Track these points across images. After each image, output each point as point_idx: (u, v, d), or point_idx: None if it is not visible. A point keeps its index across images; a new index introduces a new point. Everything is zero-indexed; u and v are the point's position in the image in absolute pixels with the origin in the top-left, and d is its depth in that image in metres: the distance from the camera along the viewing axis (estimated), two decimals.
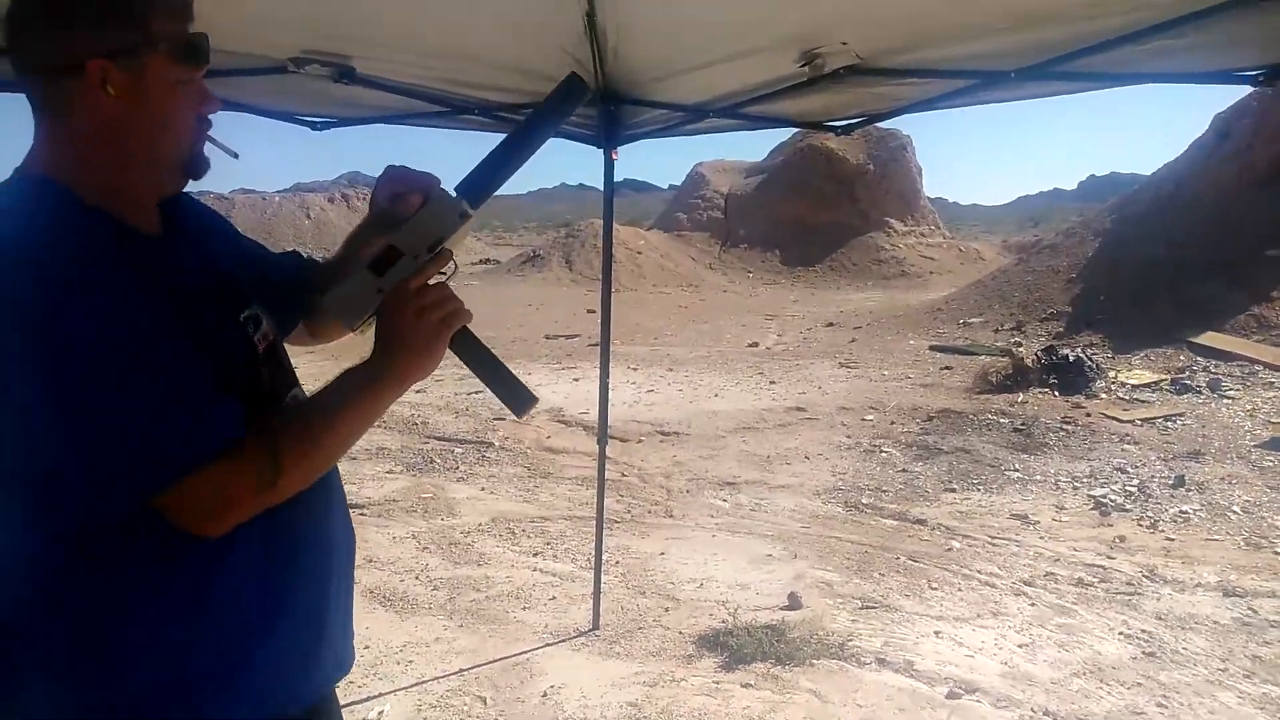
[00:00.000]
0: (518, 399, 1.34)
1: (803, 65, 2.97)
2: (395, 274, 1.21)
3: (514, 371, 1.35)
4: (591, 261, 25.73)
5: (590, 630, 4.21)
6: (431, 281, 1.25)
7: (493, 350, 1.33)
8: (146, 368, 1.06)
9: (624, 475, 6.87)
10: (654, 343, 14.57)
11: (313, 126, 3.74)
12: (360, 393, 1.21)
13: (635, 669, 3.82)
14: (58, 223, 1.10)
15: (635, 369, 11.75)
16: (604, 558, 4.70)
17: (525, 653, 3.99)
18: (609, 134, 3.80)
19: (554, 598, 4.62)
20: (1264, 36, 2.54)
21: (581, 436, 7.98)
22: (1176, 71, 2.92)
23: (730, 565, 5.08)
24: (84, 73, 1.11)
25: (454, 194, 1.27)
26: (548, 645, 4.08)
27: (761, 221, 30.13)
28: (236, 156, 1.35)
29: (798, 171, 30.53)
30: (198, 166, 1.24)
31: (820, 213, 29.46)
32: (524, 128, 1.30)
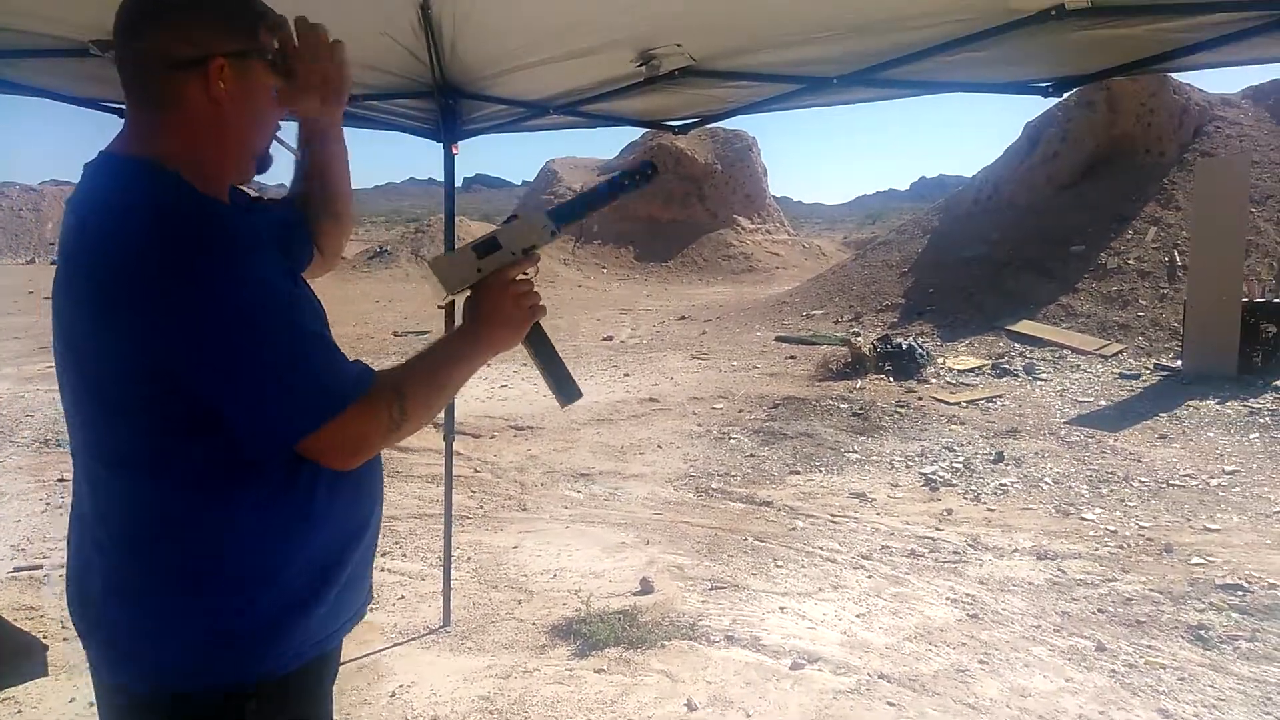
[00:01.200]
0: (566, 390, 1.55)
1: (640, 65, 3.04)
2: (492, 262, 1.42)
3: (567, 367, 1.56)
4: None
5: (441, 627, 4.12)
6: (520, 277, 1.47)
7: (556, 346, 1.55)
8: (303, 320, 1.23)
9: (476, 471, 6.77)
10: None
11: (120, 114, 3.47)
12: (461, 354, 1.40)
13: (487, 663, 3.77)
14: (195, 202, 1.24)
15: (489, 364, 11.57)
16: (455, 554, 4.62)
17: (373, 654, 3.86)
18: (448, 128, 3.75)
19: (403, 597, 4.49)
20: (1052, 51, 2.80)
21: (431, 434, 7.75)
22: (980, 81, 3.17)
23: (584, 555, 5.10)
24: (205, 67, 1.25)
25: (548, 215, 1.51)
26: (396, 645, 3.97)
27: (614, 218, 30.34)
28: (297, 156, 1.64)
29: None
30: (268, 161, 1.41)
31: (671, 210, 29.99)
32: (607, 186, 1.58)
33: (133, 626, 1.26)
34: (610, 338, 14.65)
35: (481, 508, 5.94)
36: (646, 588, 4.55)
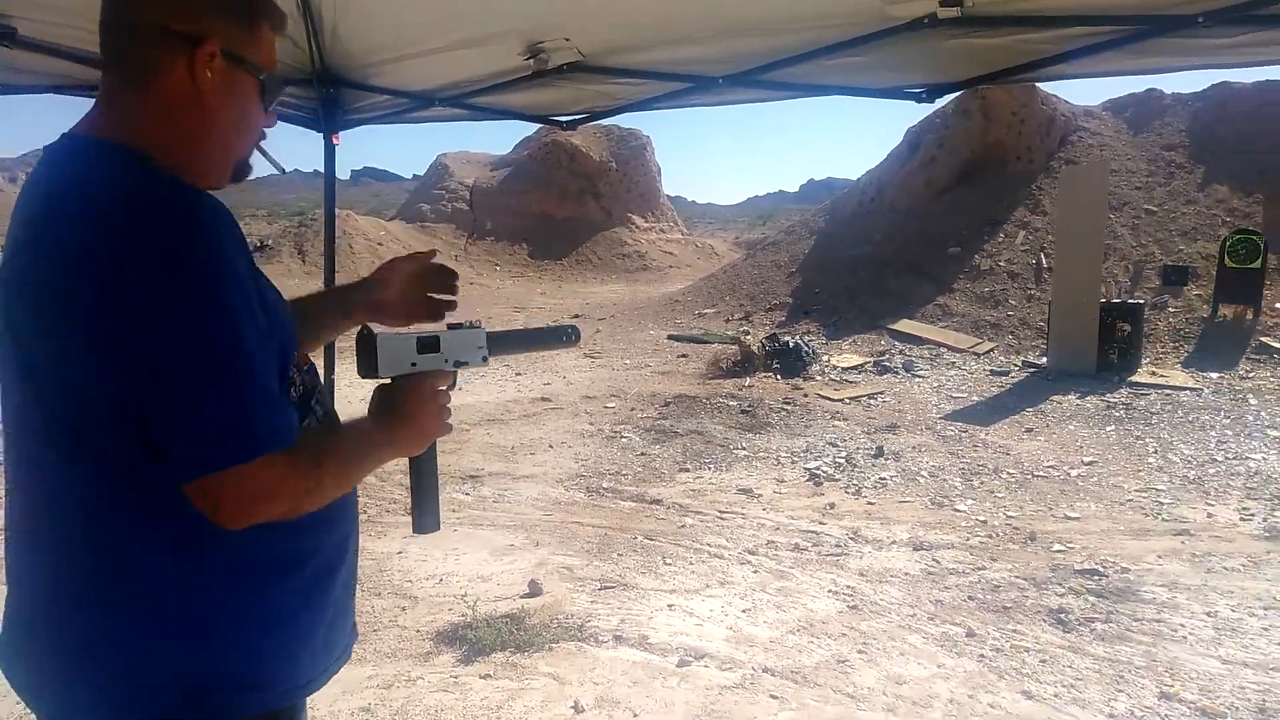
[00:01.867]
0: (428, 517, 1.53)
1: (527, 59, 3.01)
2: (428, 361, 1.41)
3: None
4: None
5: None
6: (444, 389, 1.44)
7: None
8: (256, 355, 1.12)
9: None
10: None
11: None
12: (375, 444, 1.32)
13: (368, 673, 3.66)
14: (169, 188, 1.14)
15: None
16: None
17: None
18: (328, 118, 3.61)
19: None
20: (926, 59, 2.91)
21: None
22: (859, 85, 3.26)
23: (471, 558, 5.02)
24: (198, 45, 1.18)
25: (488, 339, 1.52)
26: None
27: (507, 214, 30.06)
28: (284, 172, 1.59)
29: (542, 166, 30.78)
30: (246, 170, 1.34)
31: (565, 207, 29.91)
32: (541, 334, 1.68)
33: (78, 653, 1.17)
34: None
35: (364, 513, 5.77)
36: (535, 590, 4.51)
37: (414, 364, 1.40)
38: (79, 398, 1.11)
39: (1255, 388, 9.35)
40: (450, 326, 1.50)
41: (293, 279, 22.91)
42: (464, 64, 3.20)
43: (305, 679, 1.31)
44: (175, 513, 1.12)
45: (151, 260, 1.06)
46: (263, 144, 1.37)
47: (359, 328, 1.44)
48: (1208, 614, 4.23)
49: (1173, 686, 3.56)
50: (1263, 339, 10.56)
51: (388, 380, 1.38)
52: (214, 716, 1.20)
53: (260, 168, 1.42)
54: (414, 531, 1.57)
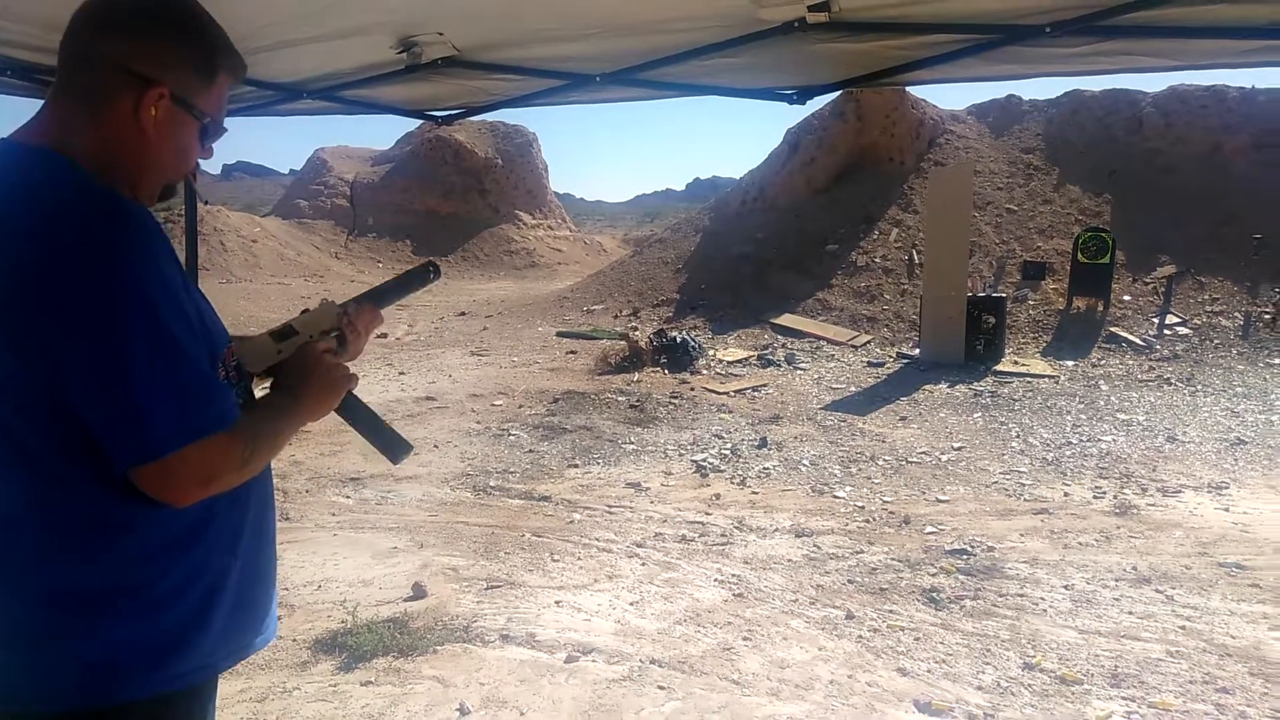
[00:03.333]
0: (394, 448, 1.65)
1: (400, 53, 2.93)
2: (289, 345, 1.52)
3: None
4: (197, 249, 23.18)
5: None
6: (326, 353, 1.56)
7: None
8: (189, 344, 1.22)
9: None
10: None
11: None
12: (289, 414, 1.45)
13: (241, 686, 3.49)
14: (107, 198, 1.24)
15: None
16: None
17: None
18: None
19: None
20: (796, 62, 3.00)
21: None
22: (734, 86, 3.33)
23: (352, 563, 4.86)
24: (146, 87, 1.28)
25: (338, 305, 1.63)
26: None
27: (390, 211, 29.29)
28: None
29: (426, 162, 30.15)
30: (172, 191, 1.44)
31: (450, 204, 29.39)
32: (394, 284, 1.77)
33: None
34: (385, 335, 14.09)
35: None
36: (419, 593, 4.40)
37: (280, 350, 1.51)
38: (11, 395, 1.19)
39: (1106, 374, 10.03)
40: (302, 313, 1.61)
41: None
42: (333, 56, 3.10)
43: (213, 658, 1.37)
44: (81, 504, 1.22)
45: (89, 266, 1.16)
46: (193, 173, 1.52)
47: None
48: (1065, 587, 4.50)
49: (1035, 657, 3.77)
50: (1112, 329, 11.34)
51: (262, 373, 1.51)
52: (112, 695, 1.26)
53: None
54: (393, 464, 1.74)
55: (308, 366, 1.52)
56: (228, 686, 3.48)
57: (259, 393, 1.55)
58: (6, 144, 1.30)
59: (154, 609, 1.28)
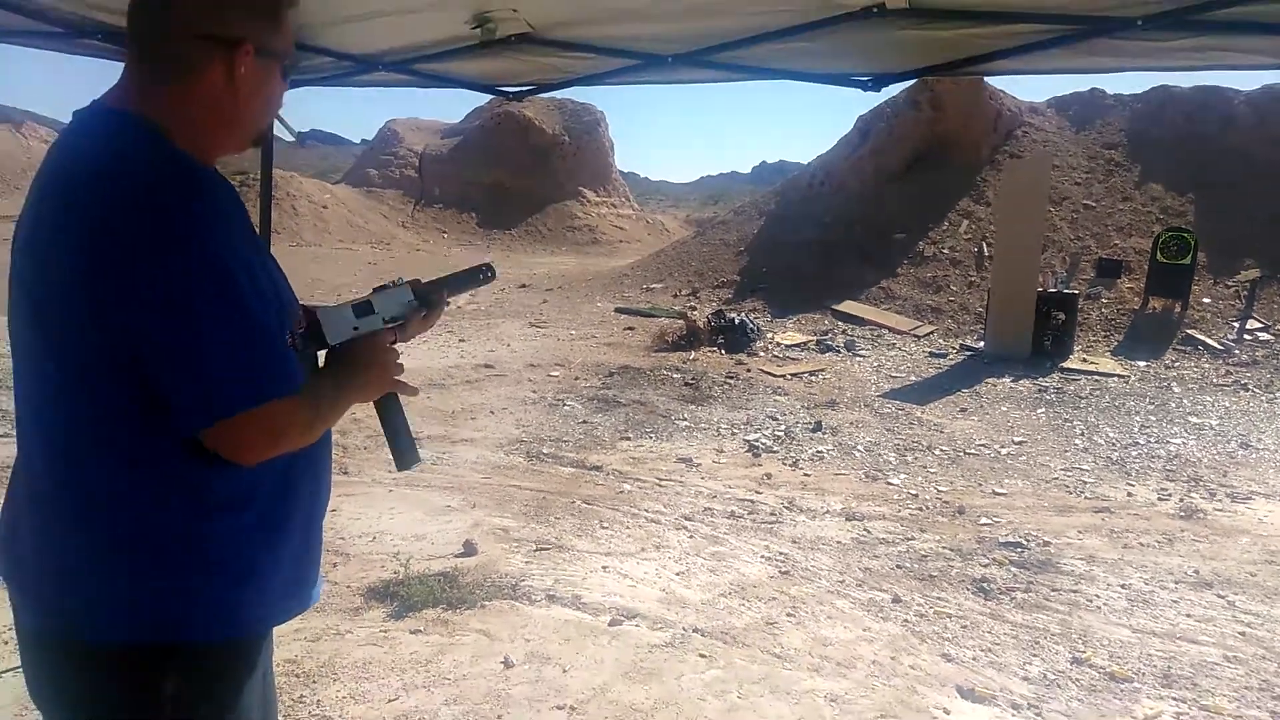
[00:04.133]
0: (407, 454, 1.69)
1: (474, 28, 2.95)
2: (366, 323, 1.56)
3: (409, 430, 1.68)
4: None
5: None
6: (391, 343, 1.61)
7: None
8: (261, 308, 1.26)
9: None
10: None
11: None
12: (347, 389, 1.47)
13: (295, 626, 3.61)
14: (188, 168, 1.27)
15: None
16: None
17: None
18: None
19: None
20: (873, 48, 2.94)
21: None
22: (807, 71, 3.27)
23: (407, 518, 4.97)
24: (234, 50, 1.28)
25: (414, 293, 1.67)
26: None
27: (457, 183, 29.65)
28: (297, 136, 1.88)
29: (494, 136, 30.40)
30: (265, 139, 1.51)
31: (516, 179, 29.60)
32: (451, 280, 1.81)
33: (58, 572, 1.29)
34: (447, 303, 14.31)
35: None
36: (470, 550, 4.49)
37: (355, 327, 1.54)
38: (84, 350, 1.22)
39: (1179, 376, 9.70)
40: (376, 290, 1.64)
41: None
42: (409, 29, 3.14)
43: (266, 612, 1.39)
44: (152, 457, 1.25)
45: (167, 233, 1.18)
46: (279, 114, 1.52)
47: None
48: (1122, 586, 4.39)
49: (1084, 652, 3.69)
50: (1189, 331, 10.95)
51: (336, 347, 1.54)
52: (176, 640, 1.29)
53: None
54: (398, 470, 1.73)
55: (373, 354, 1.54)
56: (283, 626, 3.60)
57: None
58: (94, 108, 1.31)
59: (217, 559, 1.31)
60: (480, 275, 1.87)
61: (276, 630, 1.56)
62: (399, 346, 1.65)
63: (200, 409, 1.22)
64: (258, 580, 1.36)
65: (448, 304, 1.80)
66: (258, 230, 4.15)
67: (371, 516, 4.95)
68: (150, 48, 1.30)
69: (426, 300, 1.70)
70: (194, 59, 1.28)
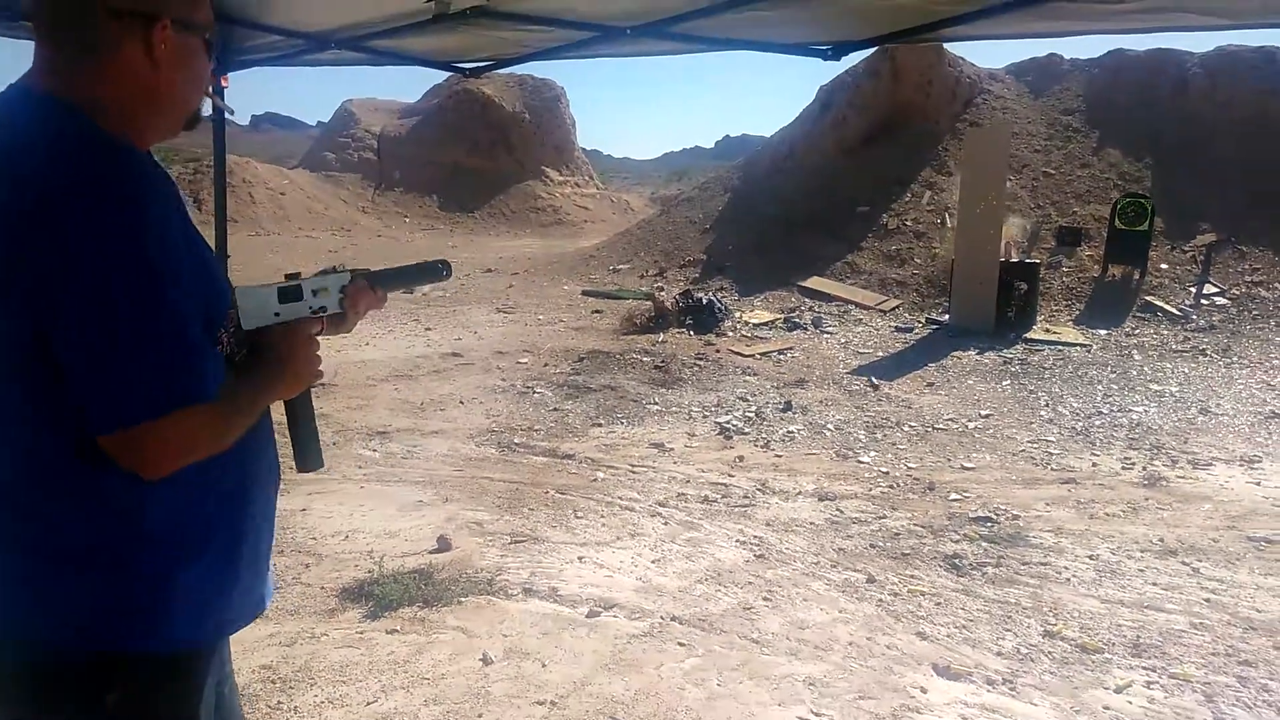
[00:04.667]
0: (310, 457, 1.57)
1: (428, 2, 2.89)
2: (289, 310, 1.45)
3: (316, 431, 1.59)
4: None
5: None
6: (315, 334, 1.50)
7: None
8: (183, 307, 1.18)
9: None
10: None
11: None
12: (267, 388, 1.40)
13: (269, 631, 3.57)
14: (113, 151, 1.21)
15: None
16: None
17: None
18: (217, 57, 3.41)
19: None
20: (831, 16, 2.93)
21: None
22: (766, 41, 3.26)
23: (378, 515, 4.93)
24: (153, 24, 1.23)
25: (351, 281, 1.55)
26: None
27: (417, 165, 29.25)
28: (233, 113, 1.85)
29: (453, 116, 30.01)
30: (198, 119, 1.40)
31: (477, 159, 29.28)
32: (403, 272, 1.71)
33: (3, 608, 1.26)
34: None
35: None
36: (444, 545, 4.47)
37: (277, 313, 1.44)
38: (18, 347, 1.17)
39: (1139, 344, 9.88)
40: (319, 274, 1.53)
41: None
42: (361, 5, 3.08)
43: (209, 621, 1.35)
44: (67, 462, 1.21)
45: (85, 219, 1.12)
46: (210, 89, 1.44)
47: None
48: (1090, 557, 4.47)
49: (1056, 625, 3.76)
50: (1148, 298, 11.14)
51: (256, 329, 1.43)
52: (114, 650, 1.26)
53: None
54: (298, 471, 1.61)
55: (294, 348, 1.46)
56: (256, 631, 3.56)
57: None
58: (10, 92, 1.26)
59: (150, 568, 1.27)
60: (435, 272, 1.76)
61: (247, 636, 1.54)
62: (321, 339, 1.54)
63: (101, 415, 1.16)
64: (198, 589, 1.31)
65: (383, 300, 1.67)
66: (214, 219, 4.06)
67: (343, 515, 4.90)
68: (61, 26, 1.24)
69: (365, 286, 1.59)
70: (109, 36, 1.22)
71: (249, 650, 3.41)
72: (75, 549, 1.24)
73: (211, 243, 3.51)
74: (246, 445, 1.36)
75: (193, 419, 1.19)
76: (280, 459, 1.53)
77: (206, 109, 1.49)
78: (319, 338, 1.52)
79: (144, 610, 1.27)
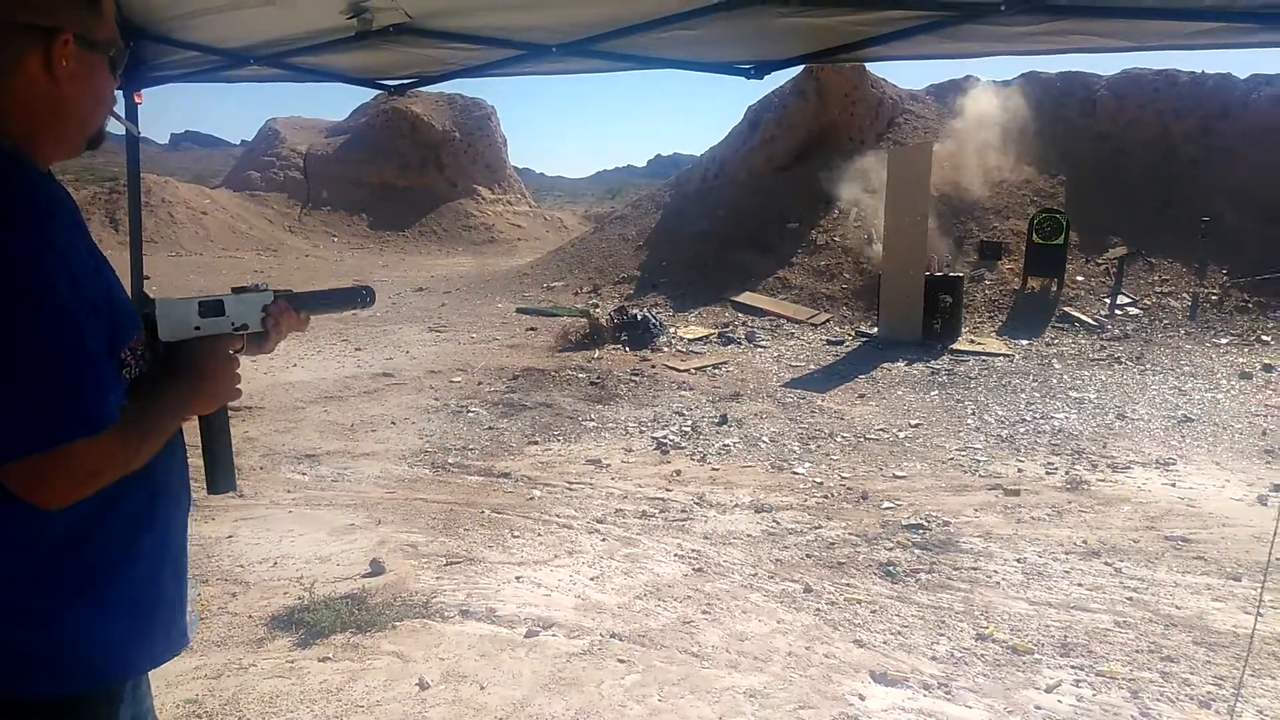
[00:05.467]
0: (222, 479, 1.52)
1: (351, 18, 2.86)
2: (211, 325, 1.42)
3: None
4: (144, 221, 22.60)
5: None
6: (234, 352, 1.47)
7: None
8: (79, 331, 1.12)
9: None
10: None
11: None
12: (177, 408, 1.35)
13: (195, 664, 3.43)
14: (9, 167, 1.16)
15: None
16: None
17: None
18: (129, 73, 3.31)
19: None
20: (754, 36, 2.99)
21: None
22: (691, 60, 3.31)
23: (308, 540, 4.79)
24: (54, 38, 1.18)
25: (272, 299, 1.53)
26: None
27: (345, 184, 28.80)
28: (135, 133, 1.84)
29: (382, 134, 29.67)
30: (101, 139, 1.35)
31: (407, 177, 28.97)
32: (325, 296, 1.70)
33: None
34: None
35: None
36: (377, 569, 4.36)
37: (197, 327, 1.41)
38: None
39: (1059, 353, 10.23)
40: (235, 290, 1.50)
41: (105, 249, 21.03)
42: (281, 21, 3.03)
43: (117, 661, 1.29)
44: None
45: None
46: (115, 109, 1.39)
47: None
48: (1018, 560, 4.59)
49: (987, 628, 3.84)
50: (1065, 308, 11.55)
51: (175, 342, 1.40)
52: (19, 694, 1.20)
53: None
54: (209, 492, 1.54)
55: (213, 361, 1.41)
56: (180, 665, 3.42)
57: None
58: None
59: (43, 607, 1.20)
60: (358, 298, 1.75)
61: (170, 669, 1.46)
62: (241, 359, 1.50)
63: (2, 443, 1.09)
64: (111, 625, 1.25)
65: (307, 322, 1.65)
66: (129, 240, 3.92)
67: (271, 540, 4.75)
68: None
69: (288, 306, 1.57)
70: (9, 51, 1.17)
71: (172, 684, 3.27)
72: None
73: (126, 264, 3.39)
74: (153, 465, 1.30)
75: (92, 448, 1.14)
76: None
77: (115, 128, 1.45)
78: (239, 356, 1.48)
79: (34, 654, 1.20)
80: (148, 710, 1.46)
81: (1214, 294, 11.43)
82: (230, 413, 1.59)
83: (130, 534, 1.29)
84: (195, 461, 1.46)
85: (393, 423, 7.27)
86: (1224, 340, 10.45)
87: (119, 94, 3.37)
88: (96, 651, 1.25)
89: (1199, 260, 11.94)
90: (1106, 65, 17.13)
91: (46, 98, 1.21)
